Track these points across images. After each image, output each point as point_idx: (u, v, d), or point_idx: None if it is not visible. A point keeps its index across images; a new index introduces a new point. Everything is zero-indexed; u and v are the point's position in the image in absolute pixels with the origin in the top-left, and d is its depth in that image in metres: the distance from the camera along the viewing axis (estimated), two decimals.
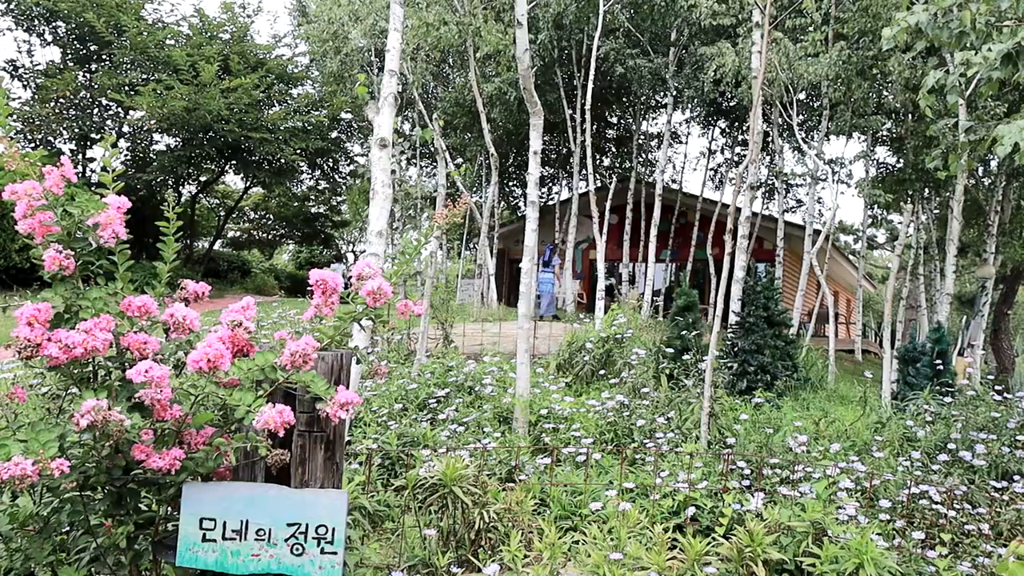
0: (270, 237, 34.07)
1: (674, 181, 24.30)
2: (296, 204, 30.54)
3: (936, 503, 4.52)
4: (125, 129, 22.14)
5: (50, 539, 2.30)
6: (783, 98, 14.64)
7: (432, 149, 21.83)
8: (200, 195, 27.08)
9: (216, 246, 29.17)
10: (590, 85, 15.68)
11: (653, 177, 21.52)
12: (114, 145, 2.38)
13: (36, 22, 21.04)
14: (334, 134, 25.24)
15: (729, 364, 9.02)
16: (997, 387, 7.23)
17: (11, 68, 21.17)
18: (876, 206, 16.82)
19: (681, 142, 25.57)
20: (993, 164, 14.94)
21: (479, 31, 15.42)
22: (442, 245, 21.97)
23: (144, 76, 21.06)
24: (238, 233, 33.60)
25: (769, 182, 20.74)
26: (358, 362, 2.45)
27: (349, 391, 2.10)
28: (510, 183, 25.37)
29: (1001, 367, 14.75)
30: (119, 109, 21.70)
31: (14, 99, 20.57)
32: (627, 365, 8.42)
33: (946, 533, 4.07)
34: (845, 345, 18.66)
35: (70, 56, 21.80)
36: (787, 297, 17.80)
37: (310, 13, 19.23)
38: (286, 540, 2.17)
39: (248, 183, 26.06)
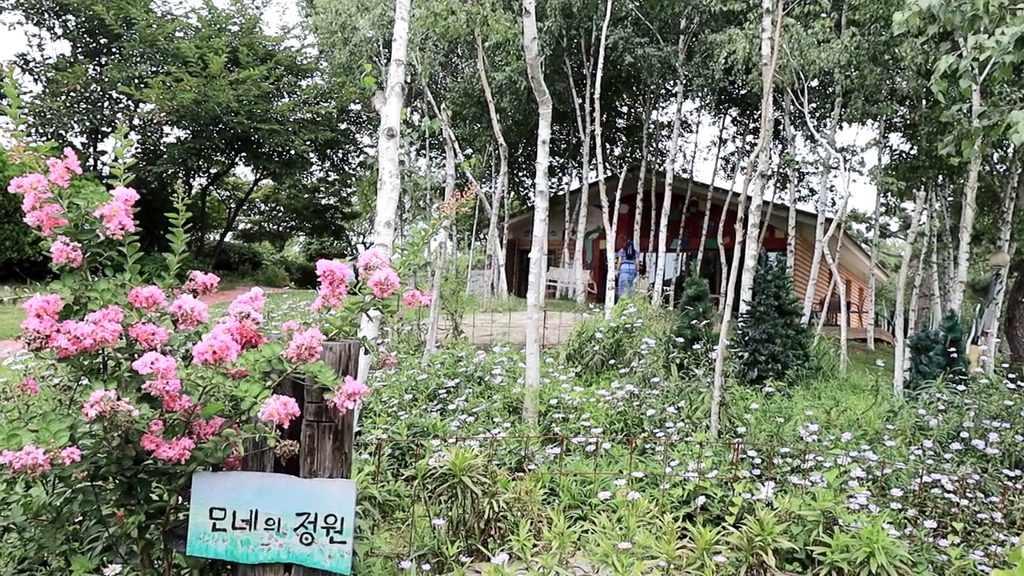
0: (281, 229, 34.18)
1: (684, 170, 24.18)
2: (306, 196, 30.60)
3: (948, 492, 4.49)
4: (136, 122, 22.23)
5: (63, 529, 2.33)
6: (794, 85, 14.50)
7: (441, 139, 21.79)
8: (210, 187, 27.18)
9: (227, 238, 29.30)
10: (599, 74, 15.58)
11: (663, 166, 21.40)
12: (125, 136, 2.39)
13: (46, 16, 21.13)
14: (343, 125, 25.25)
15: (740, 353, 8.99)
16: (1011, 375, 7.17)
17: (22, 62, 21.27)
18: (889, 194, 16.71)
19: (691, 131, 25.43)
20: (1009, 150, 14.76)
21: (487, 20, 15.34)
22: (452, 236, 21.97)
23: (154, 69, 21.13)
24: (249, 225, 33.72)
25: (781, 171, 20.59)
26: (366, 352, 2.46)
27: (357, 381, 2.11)
28: (520, 173, 25.31)
29: (1015, 355, 14.62)
30: (129, 102, 21.79)
31: (25, 93, 20.67)
32: (637, 355, 8.40)
33: (958, 522, 4.04)
34: (857, 334, 18.55)
35: (80, 49, 21.89)
36: (799, 286, 17.70)
37: (318, 4, 19.16)
38: (295, 529, 2.18)
39: (258, 175, 26.13)
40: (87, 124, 21.27)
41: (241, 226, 33.31)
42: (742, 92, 20.33)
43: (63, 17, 21.30)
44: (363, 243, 37.55)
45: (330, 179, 29.62)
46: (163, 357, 1.93)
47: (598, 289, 21.62)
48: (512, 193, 25.39)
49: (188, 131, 21.86)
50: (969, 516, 4.33)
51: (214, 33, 21.66)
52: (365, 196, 30.80)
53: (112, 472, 2.15)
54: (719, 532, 3.82)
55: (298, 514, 2.18)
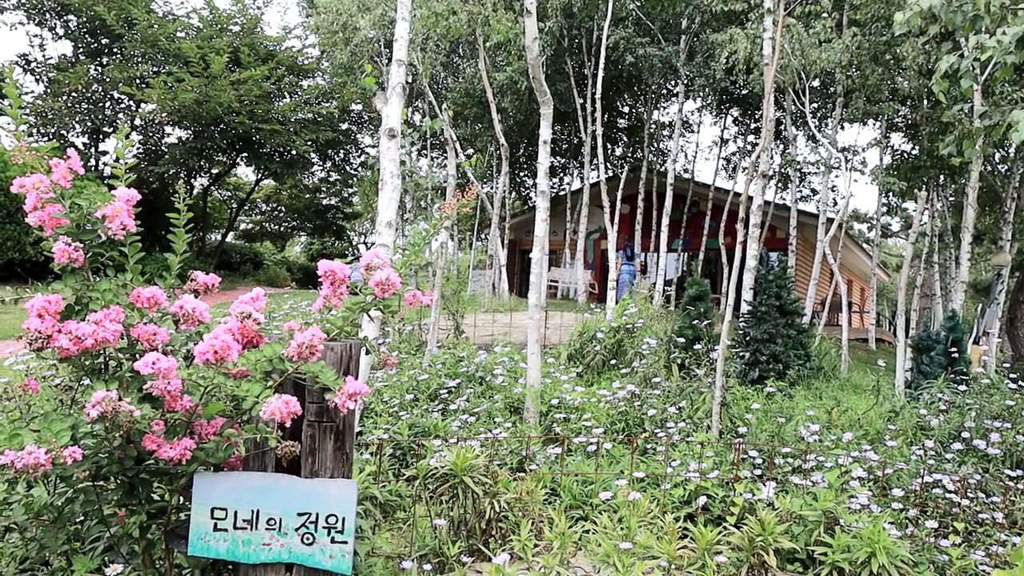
0: (282, 229, 34.19)
1: (686, 170, 24.17)
2: (308, 196, 30.61)
3: (950, 492, 4.49)
4: (137, 122, 22.24)
5: (64, 529, 2.33)
6: (796, 85, 14.48)
7: (442, 140, 21.79)
8: (212, 187, 27.18)
9: (228, 238, 29.30)
10: (600, 74, 15.57)
11: (665, 166, 21.39)
12: (127, 136, 2.39)
13: (48, 16, 21.13)
14: (344, 125, 25.24)
15: (741, 353, 8.99)
16: (1012, 375, 7.16)
17: (23, 62, 21.28)
18: (890, 194, 16.65)
19: (693, 131, 25.41)
20: (1010, 150, 14.74)
21: (488, 20, 15.34)
22: (453, 236, 21.96)
23: (155, 69, 21.13)
24: (250, 225, 33.73)
25: (782, 171, 20.58)
26: (367, 352, 2.46)
27: (358, 381, 2.11)
28: (521, 173, 25.30)
29: (1017, 355, 14.60)
30: (131, 102, 21.80)
31: (27, 93, 20.69)
32: (638, 355, 8.40)
33: (959, 522, 4.03)
34: (859, 334, 18.54)
35: (81, 50, 21.90)
36: (800, 286, 17.69)
37: (319, 4, 19.17)
38: (296, 529, 2.18)
39: (259, 175, 26.13)
40: (88, 124, 21.27)
41: (242, 226, 33.32)
42: (743, 92, 20.30)
43: (64, 17, 21.30)
44: (364, 243, 37.56)
45: (331, 179, 29.62)
46: (165, 357, 1.93)
47: (599, 289, 21.61)
48: (513, 193, 25.39)
49: (189, 131, 21.86)
50: (970, 516, 4.33)
51: (215, 33, 21.66)
52: (366, 196, 30.80)
53: (113, 472, 2.15)
54: (720, 532, 3.82)
55: (299, 514, 2.18)
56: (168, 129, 22.75)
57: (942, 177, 15.42)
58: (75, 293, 2.12)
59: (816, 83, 16.78)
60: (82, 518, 2.36)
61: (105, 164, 22.05)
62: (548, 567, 3.24)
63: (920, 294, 17.85)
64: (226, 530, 2.17)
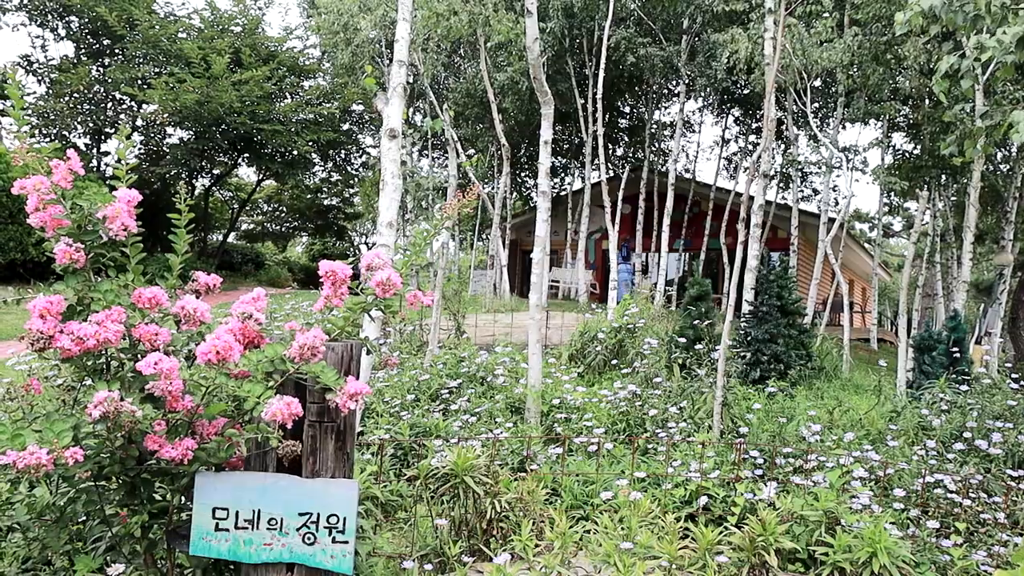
0: (283, 229, 34.23)
1: (687, 170, 24.16)
2: (309, 196, 30.66)
3: (951, 492, 4.49)
4: (139, 123, 22.29)
5: (66, 528, 2.34)
6: (797, 85, 14.47)
7: (443, 140, 21.80)
8: (213, 188, 27.22)
9: (230, 239, 29.34)
10: (601, 74, 15.57)
11: (666, 166, 21.37)
12: (128, 137, 2.40)
13: (50, 17, 21.19)
14: (346, 126, 25.28)
15: (742, 353, 8.98)
16: (1014, 375, 7.16)
17: (26, 63, 21.33)
18: (892, 193, 16.65)
19: (694, 131, 25.39)
20: (1012, 149, 14.73)
21: (489, 21, 15.34)
22: (454, 236, 21.97)
23: (156, 70, 21.18)
24: (252, 226, 33.78)
25: (784, 171, 20.58)
26: (368, 352, 2.46)
27: (359, 381, 2.11)
28: (522, 173, 25.30)
29: (1019, 355, 14.57)
30: (132, 103, 21.84)
31: (29, 94, 20.73)
32: (639, 355, 8.40)
33: (961, 522, 4.03)
34: (860, 334, 18.52)
35: (83, 51, 21.95)
36: (801, 286, 17.67)
37: (320, 5, 19.20)
38: (298, 529, 2.18)
39: (261, 175, 26.17)
40: (90, 125, 21.32)
41: (244, 227, 33.35)
42: (745, 92, 20.29)
43: (66, 18, 21.36)
44: (366, 243, 37.57)
45: (333, 180, 29.66)
46: (167, 358, 1.93)
47: (601, 289, 21.60)
48: (515, 193, 25.38)
49: (191, 132, 21.90)
50: (972, 516, 4.33)
51: (216, 34, 21.69)
52: (367, 196, 30.83)
53: (115, 472, 2.15)
54: (721, 532, 3.82)
55: (300, 514, 2.19)
56: (169, 130, 22.80)
57: (944, 177, 15.41)
58: (77, 294, 2.13)
59: (817, 83, 16.76)
60: (84, 518, 2.37)
61: (107, 165, 22.10)
62: (549, 567, 3.25)
63: (922, 294, 17.84)
64: (227, 530, 2.18)
